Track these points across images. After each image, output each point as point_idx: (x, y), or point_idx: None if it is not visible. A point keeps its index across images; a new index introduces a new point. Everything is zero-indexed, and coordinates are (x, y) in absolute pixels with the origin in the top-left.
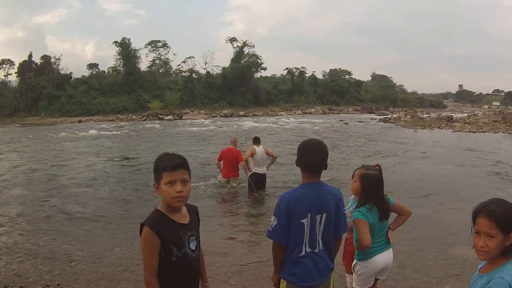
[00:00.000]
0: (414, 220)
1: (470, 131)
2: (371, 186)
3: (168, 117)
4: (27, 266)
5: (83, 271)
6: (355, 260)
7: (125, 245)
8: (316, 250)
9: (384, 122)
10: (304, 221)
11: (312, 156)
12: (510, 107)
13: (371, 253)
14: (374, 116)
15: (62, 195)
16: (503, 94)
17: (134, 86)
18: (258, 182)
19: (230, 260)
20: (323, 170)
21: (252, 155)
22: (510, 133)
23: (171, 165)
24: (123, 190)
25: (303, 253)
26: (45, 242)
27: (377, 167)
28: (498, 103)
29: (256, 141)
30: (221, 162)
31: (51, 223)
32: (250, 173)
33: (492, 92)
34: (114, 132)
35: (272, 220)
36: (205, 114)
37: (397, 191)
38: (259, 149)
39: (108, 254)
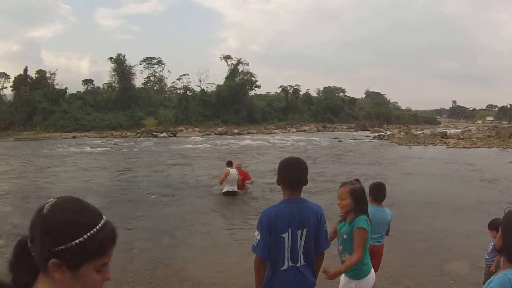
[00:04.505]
0: (408, 236)
1: (464, 147)
2: (362, 198)
3: (162, 134)
4: None
5: None
6: (347, 278)
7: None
8: (298, 265)
9: (378, 139)
10: (285, 235)
11: (292, 173)
12: (503, 122)
13: (367, 270)
14: (368, 133)
15: None
16: (496, 109)
17: (128, 103)
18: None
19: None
20: (304, 186)
21: (226, 176)
22: (504, 148)
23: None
24: (112, 206)
25: (285, 267)
26: None
27: (357, 181)
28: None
29: (229, 164)
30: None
31: None
32: (224, 191)
33: (486, 107)
34: (108, 149)
35: (256, 235)
36: (199, 131)
37: (389, 207)
38: (233, 171)
39: None
